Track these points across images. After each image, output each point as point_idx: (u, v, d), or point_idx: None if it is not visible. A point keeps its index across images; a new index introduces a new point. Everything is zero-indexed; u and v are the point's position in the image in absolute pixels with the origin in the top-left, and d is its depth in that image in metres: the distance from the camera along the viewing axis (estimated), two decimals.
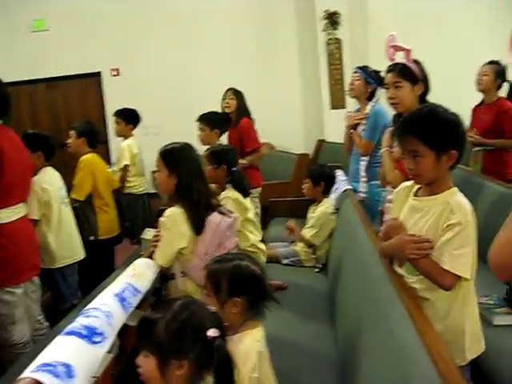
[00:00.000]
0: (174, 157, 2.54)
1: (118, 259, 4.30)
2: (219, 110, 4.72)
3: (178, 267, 2.51)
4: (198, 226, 2.48)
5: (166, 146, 2.60)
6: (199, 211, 2.49)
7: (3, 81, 2.86)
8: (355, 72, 3.82)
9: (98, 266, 3.89)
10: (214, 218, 2.53)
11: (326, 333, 2.69)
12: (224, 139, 4.58)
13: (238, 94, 4.77)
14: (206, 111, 4.38)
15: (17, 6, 7.72)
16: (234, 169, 3.40)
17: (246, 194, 3.40)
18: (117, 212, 4.34)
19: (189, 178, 2.49)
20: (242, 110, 4.76)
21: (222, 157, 3.36)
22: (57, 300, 3.65)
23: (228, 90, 4.82)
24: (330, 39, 7.30)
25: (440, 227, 1.79)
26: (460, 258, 1.73)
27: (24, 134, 3.46)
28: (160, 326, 1.39)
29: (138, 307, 2.04)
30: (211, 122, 4.28)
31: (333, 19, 7.25)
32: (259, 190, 4.80)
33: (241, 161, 4.82)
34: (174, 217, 2.46)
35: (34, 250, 3.07)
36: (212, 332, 1.38)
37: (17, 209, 2.88)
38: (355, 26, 7.37)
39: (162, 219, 2.50)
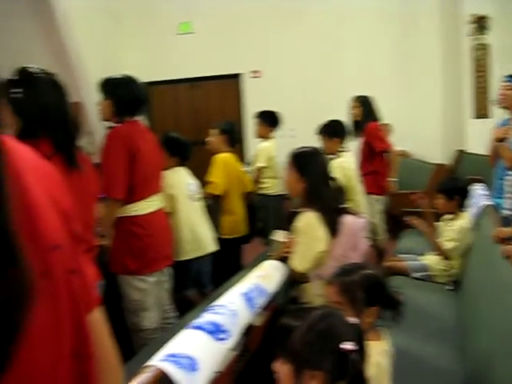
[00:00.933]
0: (304, 160, 2.55)
1: (248, 258, 4.35)
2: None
3: (314, 271, 2.49)
4: (333, 229, 2.47)
5: (296, 149, 2.61)
6: (333, 214, 2.46)
7: (148, 80, 3.02)
8: (506, 81, 3.55)
9: (224, 264, 3.97)
10: (348, 219, 2.51)
11: (452, 352, 2.55)
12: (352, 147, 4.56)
13: (362, 101, 4.83)
14: (331, 119, 4.38)
15: (165, 9, 8.14)
16: None
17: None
18: (247, 213, 4.39)
19: (317, 182, 2.49)
20: (368, 115, 4.81)
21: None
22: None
23: (353, 98, 4.90)
24: (477, 44, 6.92)
25: None
26: None
27: (167, 137, 3.63)
28: (296, 335, 1.37)
29: (264, 308, 2.04)
30: (328, 131, 4.28)
31: (481, 24, 6.86)
32: (381, 198, 4.80)
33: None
34: (310, 221, 2.45)
35: (168, 241, 3.20)
36: (348, 345, 1.33)
37: (152, 201, 3.01)
38: (506, 31, 6.92)
39: (297, 225, 2.50)
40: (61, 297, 0.66)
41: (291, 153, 2.60)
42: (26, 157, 0.69)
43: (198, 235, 3.67)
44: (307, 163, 2.54)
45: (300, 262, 2.44)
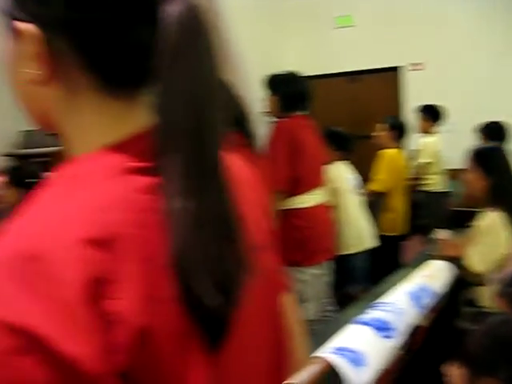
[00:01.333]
0: (488, 158, 2.45)
1: (407, 256, 4.24)
2: None
3: (493, 274, 2.38)
4: None
5: (477, 146, 2.52)
6: None
7: (307, 74, 3.07)
8: None
9: (382, 261, 3.91)
10: None
11: None
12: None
13: None
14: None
15: (324, 3, 8.15)
16: None
17: None
18: (407, 210, 4.28)
19: (503, 181, 2.38)
20: None
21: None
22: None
23: None
24: None
25: None
26: None
27: (331, 131, 3.66)
28: (474, 339, 1.33)
29: (431, 309, 2.00)
30: (487, 132, 4.20)
31: None
32: None
33: None
34: (495, 222, 2.36)
35: (329, 234, 3.21)
36: None
37: (315, 195, 3.06)
38: None
39: (479, 225, 2.42)
40: (261, 292, 0.70)
41: (472, 150, 2.52)
42: (235, 164, 0.75)
43: (360, 230, 3.66)
44: (491, 160, 2.45)
45: (479, 263, 2.35)
